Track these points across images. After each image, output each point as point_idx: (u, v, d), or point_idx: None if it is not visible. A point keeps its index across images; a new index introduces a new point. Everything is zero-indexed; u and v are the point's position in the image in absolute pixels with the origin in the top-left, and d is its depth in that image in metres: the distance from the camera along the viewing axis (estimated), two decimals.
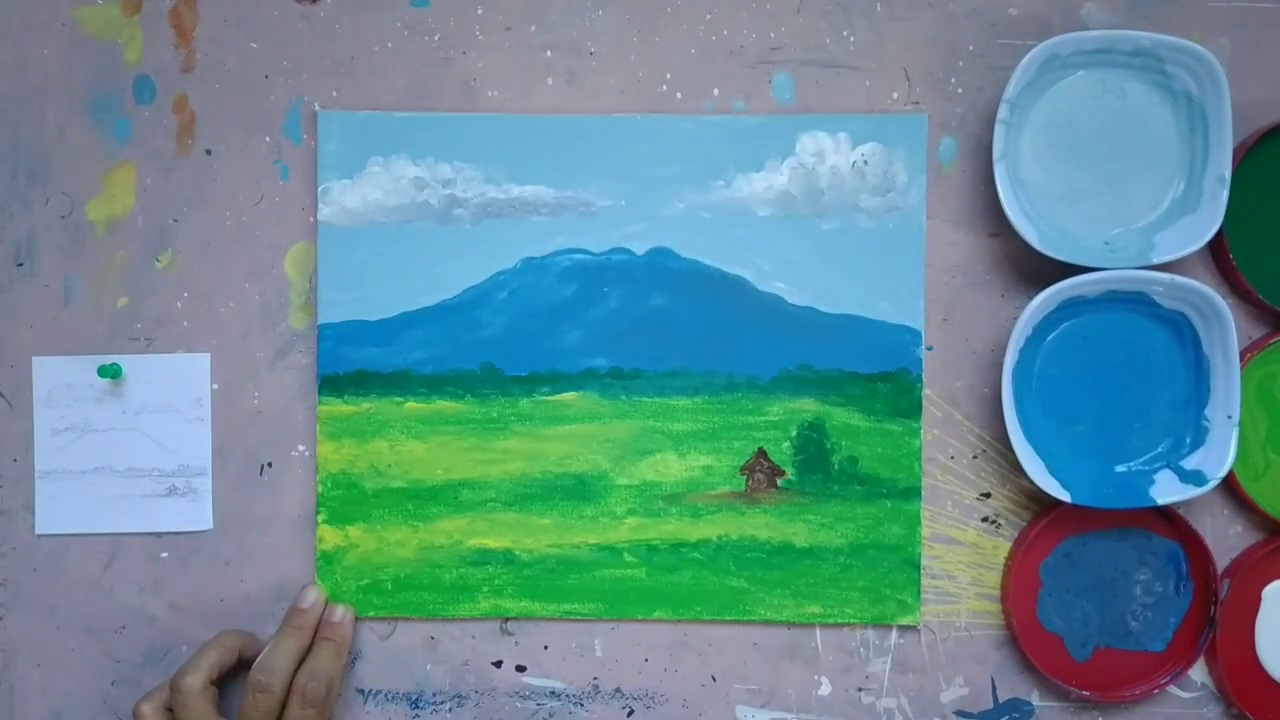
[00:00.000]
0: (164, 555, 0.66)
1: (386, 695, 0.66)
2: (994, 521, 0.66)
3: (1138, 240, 0.63)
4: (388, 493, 0.65)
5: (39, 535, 0.66)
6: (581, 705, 0.66)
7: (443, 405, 0.65)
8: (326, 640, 0.63)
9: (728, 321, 0.65)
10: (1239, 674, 0.65)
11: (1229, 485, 0.64)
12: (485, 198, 0.65)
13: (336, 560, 0.65)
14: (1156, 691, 0.64)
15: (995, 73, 0.65)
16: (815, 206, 0.65)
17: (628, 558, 0.65)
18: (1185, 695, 0.66)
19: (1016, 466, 0.63)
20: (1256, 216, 0.64)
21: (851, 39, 0.65)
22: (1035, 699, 0.66)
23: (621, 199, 0.65)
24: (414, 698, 0.66)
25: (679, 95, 0.65)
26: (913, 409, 0.65)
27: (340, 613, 0.64)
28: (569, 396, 0.65)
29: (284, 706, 0.61)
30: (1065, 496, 0.62)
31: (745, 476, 0.65)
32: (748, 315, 0.65)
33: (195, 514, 0.66)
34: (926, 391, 0.65)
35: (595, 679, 0.66)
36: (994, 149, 0.62)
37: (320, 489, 0.65)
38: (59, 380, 0.66)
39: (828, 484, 0.65)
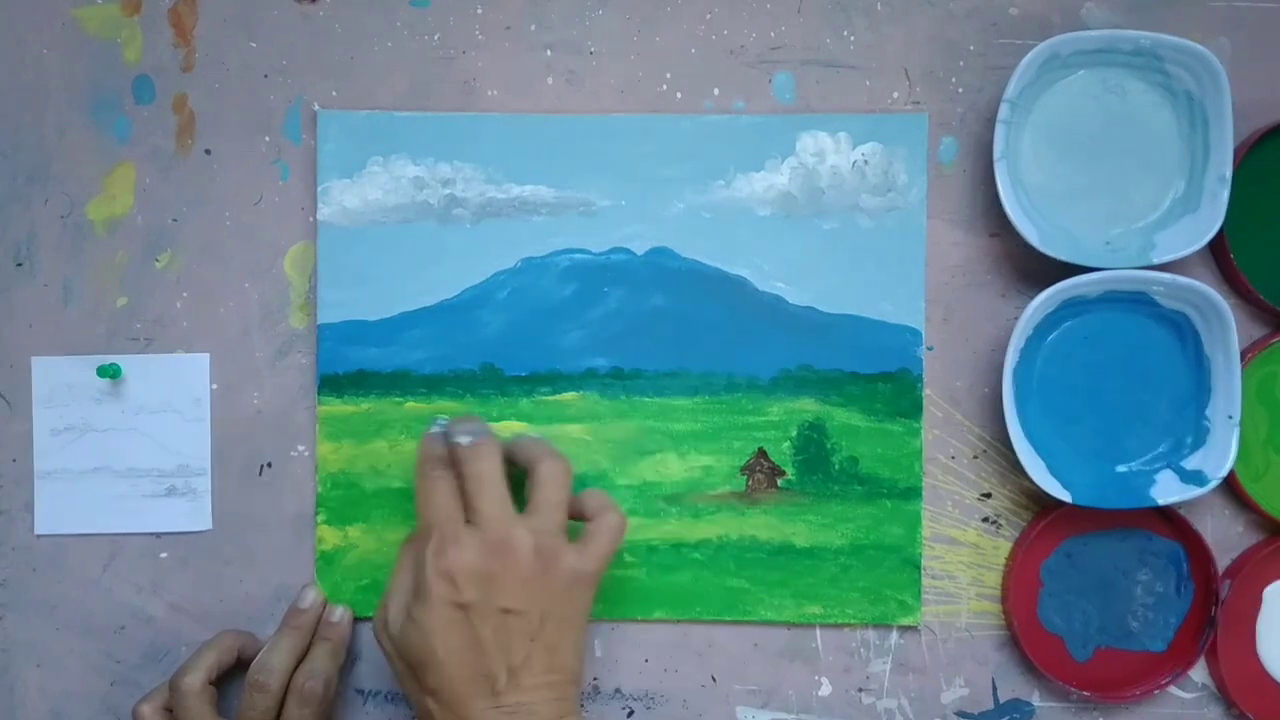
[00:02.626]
0: (163, 555, 0.66)
1: (386, 696, 0.66)
2: (994, 522, 0.66)
3: (1138, 240, 0.63)
4: (387, 493, 0.65)
5: (38, 535, 0.66)
6: (581, 705, 0.66)
7: (443, 405, 0.65)
8: (324, 640, 0.63)
9: (728, 321, 0.65)
10: (1240, 674, 0.65)
11: (1230, 485, 0.64)
12: (485, 197, 0.65)
13: (336, 560, 0.65)
14: (1157, 692, 0.64)
15: (996, 72, 0.65)
16: (815, 206, 0.65)
17: (627, 558, 0.65)
18: (1186, 696, 0.66)
19: (1017, 466, 0.63)
20: (1257, 216, 0.64)
21: (852, 39, 0.65)
22: (1036, 699, 0.66)
23: (621, 199, 0.65)
24: None
25: (679, 95, 0.65)
26: (913, 409, 0.65)
27: (339, 613, 0.64)
28: (569, 396, 0.65)
29: (282, 706, 0.61)
30: (1066, 497, 0.62)
31: (745, 476, 0.65)
32: (748, 315, 0.65)
33: (195, 514, 0.66)
34: (927, 391, 0.65)
35: (595, 679, 0.66)
36: (994, 149, 0.62)
37: (320, 489, 0.65)
38: (58, 380, 0.66)
39: (828, 484, 0.65)
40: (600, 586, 0.64)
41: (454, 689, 0.56)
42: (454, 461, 0.59)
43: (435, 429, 0.61)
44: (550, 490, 0.59)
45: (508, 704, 0.56)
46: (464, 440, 0.59)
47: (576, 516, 0.61)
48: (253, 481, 0.66)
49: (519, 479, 0.61)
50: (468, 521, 0.58)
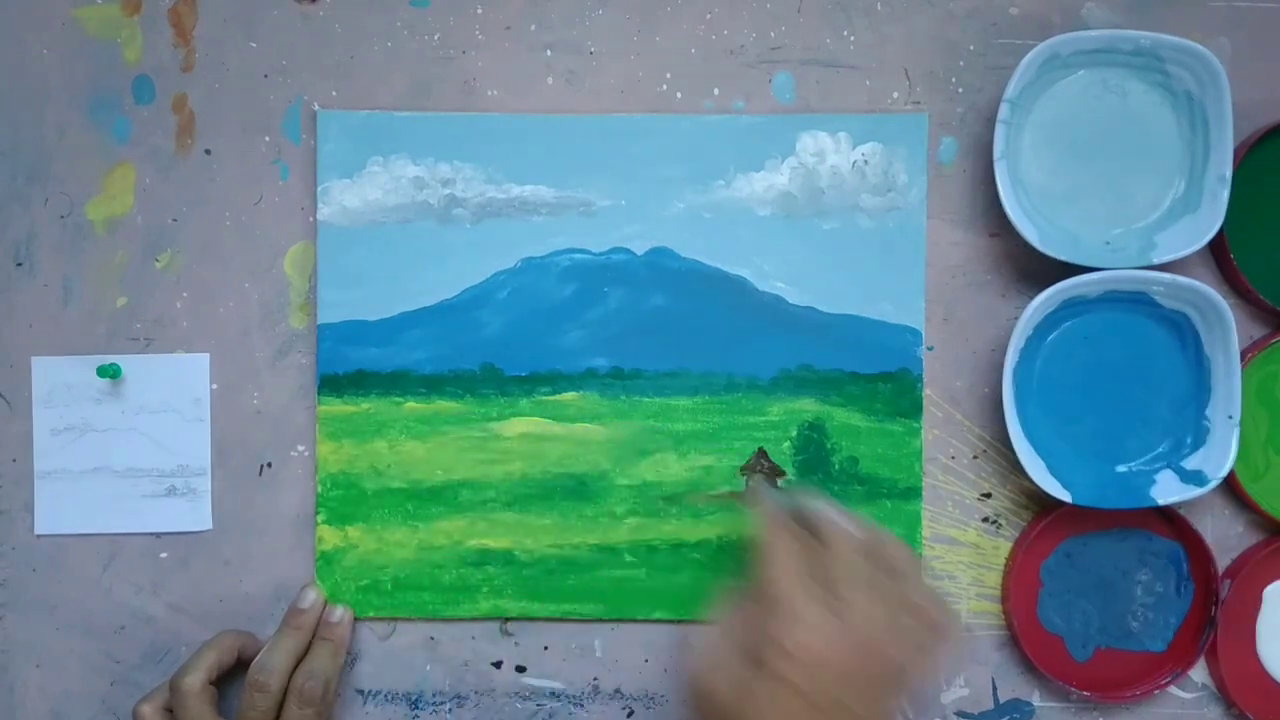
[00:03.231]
0: (163, 555, 0.66)
1: (386, 695, 0.66)
2: (994, 522, 0.66)
3: (1138, 240, 0.63)
4: (387, 493, 0.65)
5: (38, 535, 0.66)
6: (581, 706, 0.66)
7: (442, 405, 0.65)
8: (324, 640, 0.63)
9: (728, 321, 0.65)
10: (1240, 674, 0.65)
11: (1230, 485, 0.64)
12: (485, 197, 0.65)
13: (336, 560, 0.65)
14: (1157, 692, 0.64)
15: (996, 72, 0.65)
16: (815, 206, 0.65)
17: (628, 558, 0.65)
18: (1186, 696, 0.66)
19: (1017, 466, 0.63)
20: (1257, 216, 0.64)
21: (852, 39, 0.65)
22: (1036, 699, 0.66)
23: (621, 199, 0.65)
24: (414, 698, 0.66)
25: (679, 95, 0.65)
26: (913, 409, 0.65)
27: (339, 613, 0.64)
28: (569, 396, 0.65)
29: (282, 706, 0.61)
30: (1066, 497, 0.62)
31: (745, 477, 0.65)
32: (748, 315, 0.65)
33: (195, 514, 0.66)
34: (927, 391, 0.65)
35: (595, 679, 0.66)
36: (994, 148, 0.62)
37: (320, 489, 0.65)
38: (58, 380, 0.66)
39: (828, 484, 0.65)
40: (600, 586, 0.64)
41: None
42: (804, 526, 0.55)
43: (760, 481, 0.59)
44: (913, 586, 0.54)
45: None
46: (823, 511, 0.56)
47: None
48: (253, 481, 0.66)
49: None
50: (821, 600, 0.53)
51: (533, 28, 0.65)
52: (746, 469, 0.65)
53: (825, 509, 0.56)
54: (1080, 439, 0.64)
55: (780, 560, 0.54)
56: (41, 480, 0.66)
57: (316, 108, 0.65)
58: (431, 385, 0.65)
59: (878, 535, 0.56)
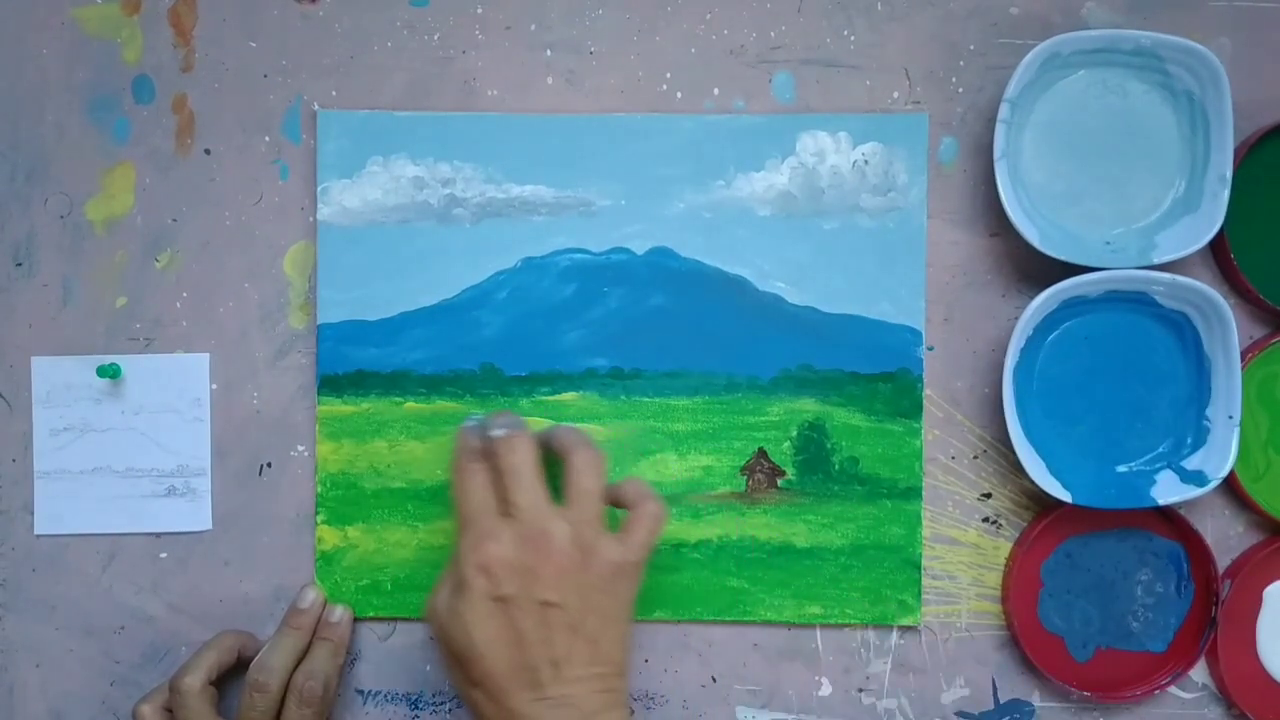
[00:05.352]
0: (163, 555, 0.66)
1: (386, 696, 0.66)
2: (995, 522, 0.66)
3: (1139, 240, 0.63)
4: (387, 493, 0.65)
5: (38, 535, 0.66)
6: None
7: (442, 405, 0.65)
8: (324, 640, 0.63)
9: (728, 321, 0.65)
10: (1240, 675, 0.65)
11: (1230, 485, 0.64)
12: (485, 197, 0.65)
13: (336, 560, 0.65)
14: (1157, 692, 0.64)
15: (996, 72, 0.65)
16: (816, 206, 0.65)
17: None
18: (1186, 696, 0.66)
19: (1017, 467, 0.63)
20: (1258, 216, 0.64)
21: (852, 38, 0.65)
22: (1036, 700, 0.66)
23: (621, 199, 0.65)
24: (413, 698, 0.66)
25: (679, 95, 0.65)
26: (913, 409, 0.65)
27: (339, 613, 0.64)
28: (569, 396, 0.65)
29: (282, 706, 0.61)
30: (1066, 497, 0.62)
31: (745, 477, 0.65)
32: (748, 315, 0.65)
33: (194, 514, 0.66)
34: (927, 391, 0.65)
35: None
36: (995, 148, 0.62)
37: (319, 489, 0.65)
38: (58, 380, 0.66)
39: (828, 484, 0.65)
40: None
41: (497, 681, 0.56)
42: (489, 455, 0.59)
43: (470, 423, 0.61)
44: (586, 480, 0.58)
45: (552, 696, 0.56)
46: (498, 433, 0.59)
47: (615, 504, 0.60)
48: (252, 481, 0.66)
49: (556, 471, 0.60)
50: (505, 514, 0.57)
51: (533, 27, 0.65)
52: (746, 469, 0.65)
53: (502, 432, 0.59)
54: (1080, 439, 0.64)
55: (468, 490, 0.58)
56: (41, 480, 0.66)
57: (316, 107, 0.65)
58: (431, 385, 0.65)
59: (555, 436, 0.60)
